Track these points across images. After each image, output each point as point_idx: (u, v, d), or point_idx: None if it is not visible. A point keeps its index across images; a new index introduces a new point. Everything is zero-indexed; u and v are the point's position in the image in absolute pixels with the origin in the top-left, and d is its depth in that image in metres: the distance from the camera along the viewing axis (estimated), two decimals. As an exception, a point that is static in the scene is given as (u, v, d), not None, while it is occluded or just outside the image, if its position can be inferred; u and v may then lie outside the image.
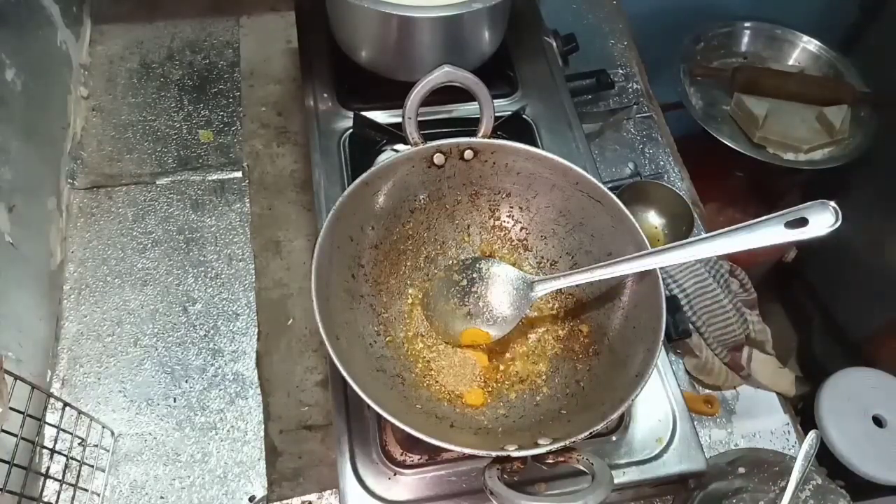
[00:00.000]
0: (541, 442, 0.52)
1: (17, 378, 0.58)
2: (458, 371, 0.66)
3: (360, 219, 0.65)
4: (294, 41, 0.95)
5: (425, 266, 0.71)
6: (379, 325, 0.66)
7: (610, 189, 0.64)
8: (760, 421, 0.80)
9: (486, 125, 0.68)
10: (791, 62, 1.41)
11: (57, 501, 0.65)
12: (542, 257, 0.71)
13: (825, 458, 1.07)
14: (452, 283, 0.68)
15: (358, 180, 0.63)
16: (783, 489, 0.64)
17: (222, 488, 0.70)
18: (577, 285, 0.64)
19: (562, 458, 0.52)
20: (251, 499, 0.70)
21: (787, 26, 1.42)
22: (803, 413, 1.14)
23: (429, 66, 0.66)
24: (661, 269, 0.59)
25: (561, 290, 0.68)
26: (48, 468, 0.65)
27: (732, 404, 0.81)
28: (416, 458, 0.64)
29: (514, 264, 0.69)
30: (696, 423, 0.67)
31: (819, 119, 1.28)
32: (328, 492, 0.70)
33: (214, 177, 0.90)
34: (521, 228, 0.71)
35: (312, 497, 0.70)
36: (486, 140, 0.67)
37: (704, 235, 0.55)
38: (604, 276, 0.60)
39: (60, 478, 0.66)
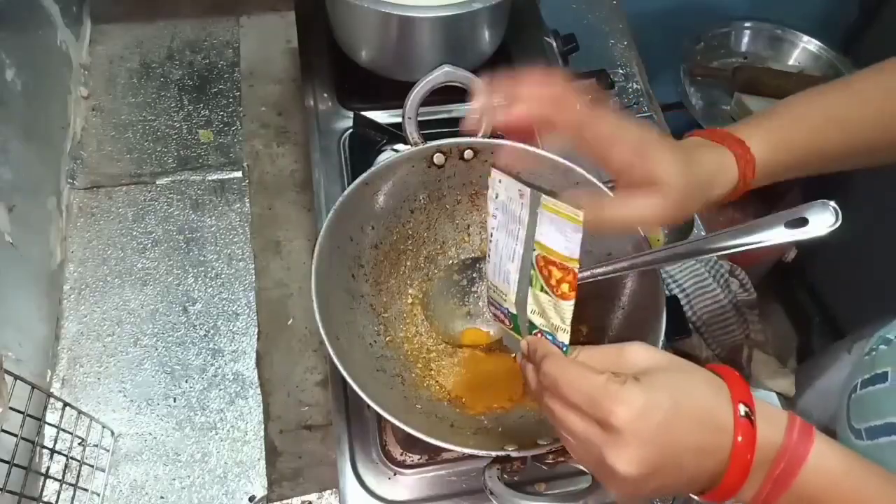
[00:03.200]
0: (541, 442, 0.52)
1: (17, 378, 0.58)
2: (458, 371, 0.66)
3: (360, 219, 0.65)
4: (294, 41, 0.95)
5: (425, 266, 0.71)
6: (379, 325, 0.66)
7: (610, 189, 0.64)
8: (760, 421, 0.80)
9: (486, 125, 0.68)
10: (791, 62, 1.41)
11: (57, 501, 0.65)
12: (542, 257, 0.71)
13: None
14: (452, 283, 0.68)
15: (358, 180, 0.63)
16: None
17: (222, 488, 0.70)
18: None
19: (562, 458, 0.52)
20: (251, 499, 0.70)
21: (787, 26, 1.42)
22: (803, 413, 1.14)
23: (429, 66, 0.66)
24: (661, 269, 0.59)
25: (561, 290, 0.68)
26: (48, 468, 0.65)
27: (732, 404, 0.80)
28: (416, 458, 0.64)
29: (514, 264, 0.69)
30: (696, 423, 0.67)
31: (819, 119, 1.28)
32: (328, 492, 0.70)
33: (214, 177, 0.90)
34: (521, 228, 0.71)
35: (312, 497, 0.70)
36: (487, 140, 0.67)
37: (704, 235, 0.55)
38: (604, 275, 0.60)
39: (60, 478, 0.66)
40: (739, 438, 0.38)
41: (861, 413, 0.59)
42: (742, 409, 0.39)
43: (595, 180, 0.64)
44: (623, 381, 0.39)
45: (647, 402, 0.38)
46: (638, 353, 0.42)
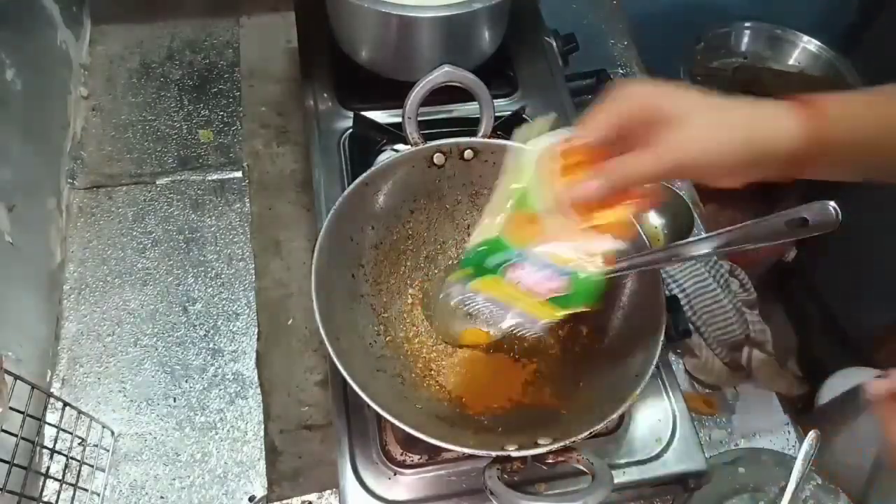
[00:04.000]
0: (541, 442, 0.52)
1: (17, 378, 0.58)
2: (458, 371, 0.66)
3: (360, 219, 0.65)
4: (294, 41, 0.95)
5: (425, 266, 0.71)
6: (379, 325, 0.66)
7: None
8: (760, 421, 0.80)
9: (486, 125, 0.68)
10: (791, 62, 1.41)
11: (57, 501, 0.65)
12: (542, 257, 0.71)
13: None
14: (453, 283, 0.68)
15: (358, 180, 0.63)
16: (783, 489, 0.65)
17: (222, 488, 0.70)
18: (577, 285, 0.64)
19: (562, 458, 0.52)
20: (251, 499, 0.70)
21: (787, 26, 1.42)
22: (803, 413, 1.14)
23: (429, 66, 0.66)
24: (661, 269, 0.59)
25: (561, 290, 0.68)
26: (48, 468, 0.65)
27: (732, 404, 0.80)
28: (416, 458, 0.63)
29: (514, 264, 0.69)
30: (696, 423, 0.67)
31: (819, 119, 1.28)
32: (328, 492, 0.70)
33: (214, 177, 0.90)
34: (521, 228, 0.71)
35: (312, 497, 0.70)
36: (487, 140, 0.67)
37: (704, 235, 0.55)
38: (605, 274, 0.60)
39: (60, 478, 0.66)
40: None
41: None
42: None
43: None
44: None
45: None
46: None
